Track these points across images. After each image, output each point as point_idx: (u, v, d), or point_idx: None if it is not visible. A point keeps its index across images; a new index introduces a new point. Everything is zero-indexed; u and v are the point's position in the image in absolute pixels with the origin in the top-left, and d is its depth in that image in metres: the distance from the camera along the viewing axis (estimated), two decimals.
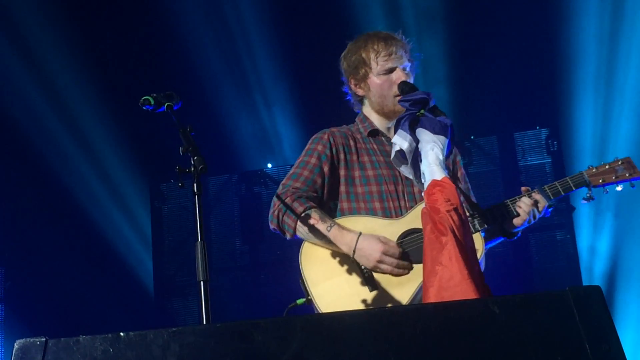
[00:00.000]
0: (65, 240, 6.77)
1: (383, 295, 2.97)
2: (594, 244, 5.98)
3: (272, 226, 3.17)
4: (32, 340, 1.82)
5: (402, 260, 2.97)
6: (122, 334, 1.80)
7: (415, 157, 2.84)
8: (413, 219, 3.03)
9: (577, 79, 6.13)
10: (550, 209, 3.15)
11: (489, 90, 6.26)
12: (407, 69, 3.22)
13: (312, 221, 3.03)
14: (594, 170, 3.14)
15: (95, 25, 6.76)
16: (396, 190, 3.16)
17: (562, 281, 5.83)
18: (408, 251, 3.01)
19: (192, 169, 2.58)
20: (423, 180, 2.78)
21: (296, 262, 3.13)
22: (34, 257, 6.73)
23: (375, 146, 3.27)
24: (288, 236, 3.13)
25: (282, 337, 1.79)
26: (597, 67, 6.11)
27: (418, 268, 2.95)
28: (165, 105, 2.76)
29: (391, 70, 3.20)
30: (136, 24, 6.81)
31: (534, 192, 3.13)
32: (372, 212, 3.12)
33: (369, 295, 2.98)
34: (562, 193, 3.12)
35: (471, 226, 2.99)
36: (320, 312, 2.97)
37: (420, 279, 2.89)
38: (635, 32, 5.99)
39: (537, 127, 6.22)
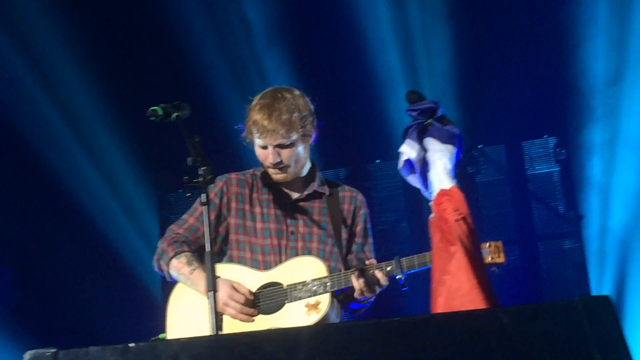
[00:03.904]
0: (74, 250, 6.78)
1: None
2: (603, 252, 5.94)
3: (155, 269, 3.35)
4: (42, 351, 1.83)
5: (249, 307, 3.07)
6: (131, 345, 1.80)
7: (423, 167, 2.84)
8: (278, 273, 3.14)
9: (586, 86, 6.11)
10: (401, 281, 2.97)
11: (497, 98, 6.23)
12: (289, 142, 3.14)
13: (179, 265, 3.20)
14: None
15: (104, 34, 6.77)
16: (279, 245, 3.23)
17: (571, 290, 5.79)
18: (260, 302, 3.11)
19: (200, 179, 2.59)
20: (431, 190, 2.78)
21: None
22: (43, 268, 6.75)
23: (271, 197, 3.31)
24: (168, 278, 3.30)
25: (291, 347, 1.79)
26: (606, 75, 6.08)
27: (262, 319, 3.07)
28: (174, 115, 2.77)
29: (264, 147, 3.20)
30: (146, 33, 6.83)
31: (382, 266, 3.03)
32: (255, 263, 3.22)
33: None
34: (417, 267, 2.98)
35: (323, 287, 3.01)
36: None
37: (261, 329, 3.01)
38: None
39: (545, 136, 6.19)
